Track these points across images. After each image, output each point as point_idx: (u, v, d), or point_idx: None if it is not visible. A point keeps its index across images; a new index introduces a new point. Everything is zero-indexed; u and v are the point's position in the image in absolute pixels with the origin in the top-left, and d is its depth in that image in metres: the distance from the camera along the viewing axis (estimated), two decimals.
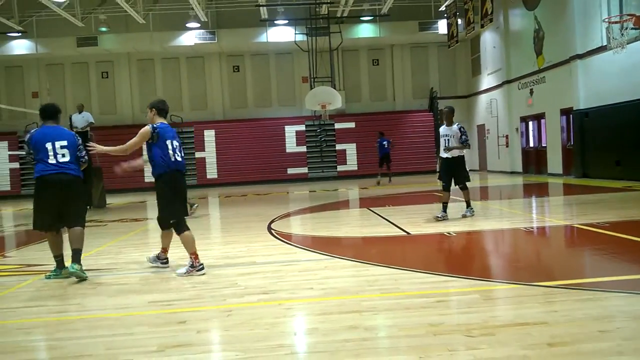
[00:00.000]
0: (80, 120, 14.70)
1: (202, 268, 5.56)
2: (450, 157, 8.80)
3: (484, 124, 24.01)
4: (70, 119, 14.81)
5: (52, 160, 5.52)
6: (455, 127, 8.87)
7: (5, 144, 23.09)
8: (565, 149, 17.60)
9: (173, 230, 5.74)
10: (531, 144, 20.35)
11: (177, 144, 5.74)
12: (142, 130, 5.58)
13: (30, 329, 4.00)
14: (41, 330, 3.99)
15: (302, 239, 8.06)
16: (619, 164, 14.45)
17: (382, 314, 3.88)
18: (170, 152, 5.60)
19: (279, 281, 5.08)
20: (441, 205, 8.83)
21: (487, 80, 23.45)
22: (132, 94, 24.75)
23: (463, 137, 8.81)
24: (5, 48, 22.88)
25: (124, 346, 3.48)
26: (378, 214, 10.00)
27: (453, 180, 8.94)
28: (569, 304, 3.81)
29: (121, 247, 7.70)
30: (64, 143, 5.62)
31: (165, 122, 5.76)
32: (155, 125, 5.61)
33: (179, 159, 5.70)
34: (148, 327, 3.87)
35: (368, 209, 11.22)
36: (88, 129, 14.83)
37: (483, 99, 23.99)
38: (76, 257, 5.47)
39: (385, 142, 19.36)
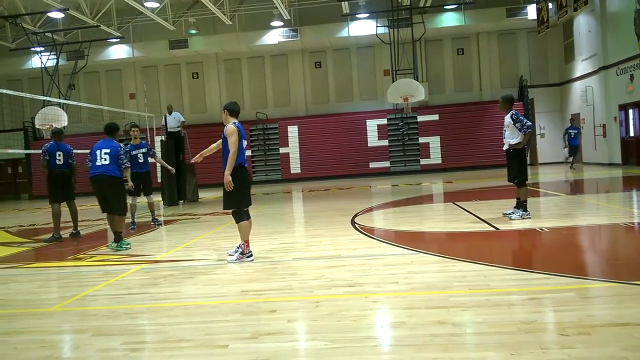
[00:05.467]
0: (172, 120, 15.56)
1: (251, 255, 6.14)
2: (506, 148, 8.02)
3: (578, 113, 22.66)
4: (165, 119, 15.73)
5: (98, 163, 7.46)
6: (507, 115, 7.91)
7: None
8: None
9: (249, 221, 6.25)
10: (631, 134, 18.94)
11: (245, 142, 6.29)
12: (231, 130, 6.01)
13: (136, 314, 4.34)
14: (145, 315, 4.32)
15: (386, 233, 8.07)
16: None
17: (470, 310, 3.83)
18: (243, 148, 6.16)
19: (365, 275, 5.14)
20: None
21: (581, 67, 22.08)
22: (221, 92, 25.78)
23: (517, 124, 7.73)
24: (106, 53, 24.66)
25: (220, 332, 3.69)
26: (464, 209, 9.78)
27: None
28: None
29: (214, 239, 8.11)
30: (107, 150, 7.53)
31: (237, 121, 6.20)
32: (237, 124, 6.10)
33: (245, 155, 6.27)
34: (242, 314, 4.08)
35: (453, 203, 11.00)
36: (180, 128, 15.68)
37: (577, 86, 22.62)
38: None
39: (573, 132, 19.70)
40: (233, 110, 6.22)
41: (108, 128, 7.84)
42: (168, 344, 3.53)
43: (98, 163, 7.48)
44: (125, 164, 7.63)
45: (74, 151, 9.40)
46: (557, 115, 24.42)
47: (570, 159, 20.00)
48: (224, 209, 6.24)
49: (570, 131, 19.84)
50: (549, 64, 24.56)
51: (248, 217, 6.22)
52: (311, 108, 25.58)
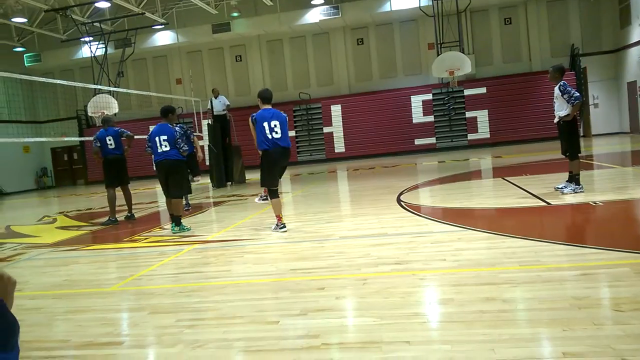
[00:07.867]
0: (218, 104, 15.82)
1: (284, 227, 6.93)
2: (556, 121, 7.78)
3: (635, 81, 21.55)
4: (211, 103, 16.00)
5: (159, 150, 7.61)
6: (556, 87, 7.63)
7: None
8: None
9: (279, 197, 7.16)
10: None
11: (277, 122, 6.74)
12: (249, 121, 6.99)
13: (190, 292, 4.51)
14: (199, 293, 4.48)
15: (433, 210, 8.00)
16: None
17: (520, 287, 3.78)
18: (267, 131, 6.73)
19: (411, 252, 5.13)
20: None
21: (638, 32, 20.93)
22: (264, 74, 25.91)
23: (565, 95, 7.45)
24: (152, 40, 25.19)
25: (271, 309, 3.80)
26: (514, 184, 9.56)
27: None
28: None
29: (262, 219, 8.26)
30: (165, 137, 7.60)
31: (269, 107, 6.89)
32: (253, 115, 6.87)
33: (277, 135, 6.75)
34: (291, 292, 4.18)
35: (503, 178, 10.76)
36: (226, 111, 15.92)
37: (634, 52, 21.47)
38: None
39: None
40: (264, 97, 6.91)
41: (162, 111, 7.91)
42: (222, 320, 3.66)
43: (159, 150, 7.61)
44: (184, 147, 7.72)
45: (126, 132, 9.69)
46: (612, 83, 23.31)
47: None
48: (262, 185, 7.21)
49: None
50: (603, 31, 23.37)
51: (275, 196, 7.00)
52: (354, 86, 25.39)
